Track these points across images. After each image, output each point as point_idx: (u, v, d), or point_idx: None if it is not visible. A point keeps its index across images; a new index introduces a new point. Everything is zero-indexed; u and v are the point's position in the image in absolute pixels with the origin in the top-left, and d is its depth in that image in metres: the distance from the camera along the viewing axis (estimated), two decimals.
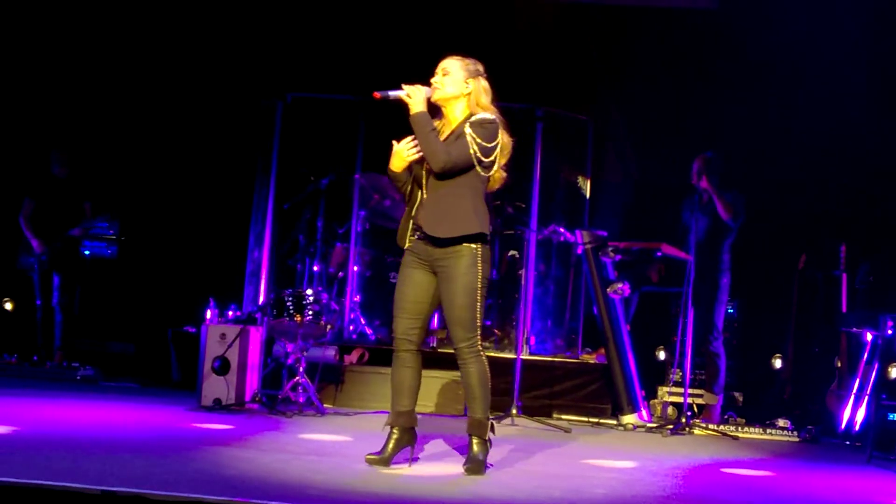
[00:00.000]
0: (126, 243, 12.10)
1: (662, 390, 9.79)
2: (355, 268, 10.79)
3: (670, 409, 9.71)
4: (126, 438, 6.80)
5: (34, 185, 11.15)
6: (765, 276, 10.81)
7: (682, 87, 11.01)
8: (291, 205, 10.97)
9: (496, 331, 10.62)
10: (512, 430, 8.58)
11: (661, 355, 10.34)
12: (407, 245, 6.37)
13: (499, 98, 10.56)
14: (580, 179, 11.28)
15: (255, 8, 11.57)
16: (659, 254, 9.73)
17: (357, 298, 10.77)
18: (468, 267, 6.21)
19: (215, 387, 8.83)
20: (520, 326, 9.65)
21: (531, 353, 10.10)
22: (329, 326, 9.07)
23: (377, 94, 6.38)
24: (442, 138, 6.23)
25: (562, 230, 10.49)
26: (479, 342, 6.34)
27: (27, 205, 11.12)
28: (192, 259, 11.90)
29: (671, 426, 9.06)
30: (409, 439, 6.45)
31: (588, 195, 11.23)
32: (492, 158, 6.23)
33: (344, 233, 10.97)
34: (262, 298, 10.57)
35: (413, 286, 6.37)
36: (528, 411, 9.13)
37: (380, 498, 5.38)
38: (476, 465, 6.27)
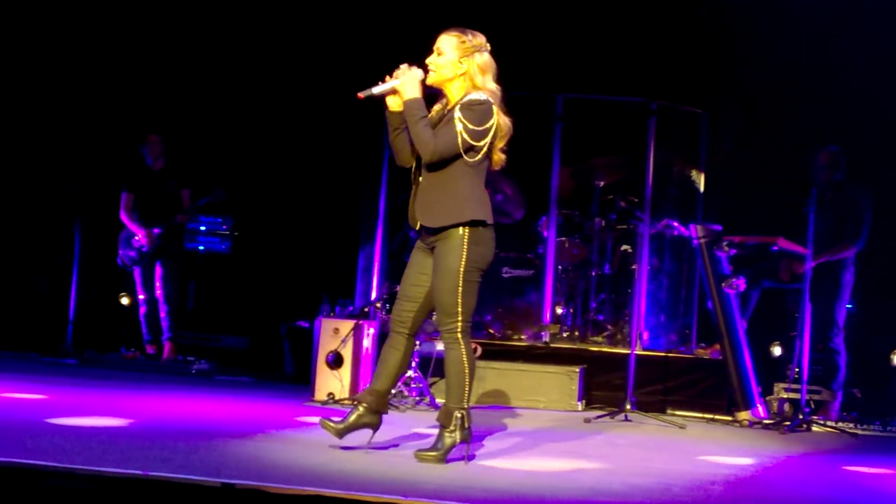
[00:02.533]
0: (240, 239, 12.18)
1: (779, 387, 9.64)
2: None
3: (787, 406, 9.56)
4: (242, 432, 6.84)
5: (130, 179, 11.21)
6: (886, 270, 10.59)
7: (800, 78, 10.82)
8: (403, 200, 10.99)
9: (609, 326, 10.54)
10: (626, 426, 8.51)
11: (777, 351, 10.18)
12: (417, 228, 6.23)
13: (610, 91, 10.51)
14: (694, 173, 11.16)
15: (365, 2, 11.58)
16: (775, 248, 9.58)
17: None
18: (452, 250, 6.01)
19: (329, 381, 8.87)
20: (633, 321, 9.56)
21: (644, 349, 10.00)
22: None
23: (360, 95, 6.15)
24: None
25: (675, 224, 10.40)
26: (461, 329, 6.08)
27: (125, 198, 11.17)
28: (305, 254, 11.96)
29: (788, 423, 8.92)
30: (372, 421, 6.30)
31: (702, 189, 11.10)
32: (484, 142, 6.00)
33: None
34: (374, 293, 10.60)
35: (415, 270, 6.26)
36: (642, 407, 9.04)
37: (492, 494, 5.35)
38: (430, 452, 6.10)
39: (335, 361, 8.84)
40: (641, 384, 9.44)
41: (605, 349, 10.10)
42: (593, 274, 10.60)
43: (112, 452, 5.66)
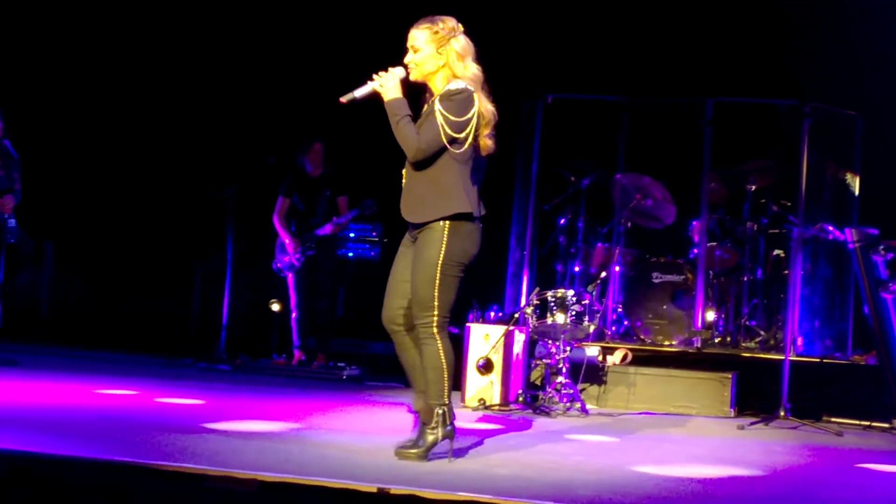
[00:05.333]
0: (389, 245, 12.25)
1: None
2: (617, 268, 10.72)
3: None
4: (395, 437, 6.87)
5: (286, 184, 11.32)
6: None
7: None
8: (552, 206, 10.99)
9: (761, 331, 10.40)
10: (781, 432, 8.37)
11: None
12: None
13: (763, 94, 10.36)
14: (848, 176, 10.96)
15: (516, 9, 11.59)
16: None
17: (620, 298, 10.69)
18: (431, 242, 5.91)
19: (479, 387, 8.89)
20: (787, 327, 9.41)
21: (799, 355, 9.85)
22: (592, 327, 9.02)
23: (343, 100, 6.11)
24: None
25: (830, 228, 10.21)
26: (437, 323, 5.93)
27: (280, 203, 11.27)
28: None
29: None
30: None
31: (857, 192, 10.90)
32: (466, 132, 5.91)
33: (606, 233, 10.91)
34: (524, 299, 10.59)
35: (402, 266, 6.13)
36: (797, 413, 8.88)
37: (648, 500, 5.30)
38: (411, 450, 5.97)
39: (485, 367, 8.85)
40: (796, 390, 9.27)
41: (757, 355, 9.96)
42: (745, 279, 10.47)
43: (268, 456, 5.74)
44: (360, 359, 11.40)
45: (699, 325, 10.35)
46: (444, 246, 5.91)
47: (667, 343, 10.39)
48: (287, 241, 11.04)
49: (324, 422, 7.41)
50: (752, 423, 8.58)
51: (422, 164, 5.97)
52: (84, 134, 13.00)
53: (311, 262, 11.09)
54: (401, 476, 5.34)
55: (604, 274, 10.49)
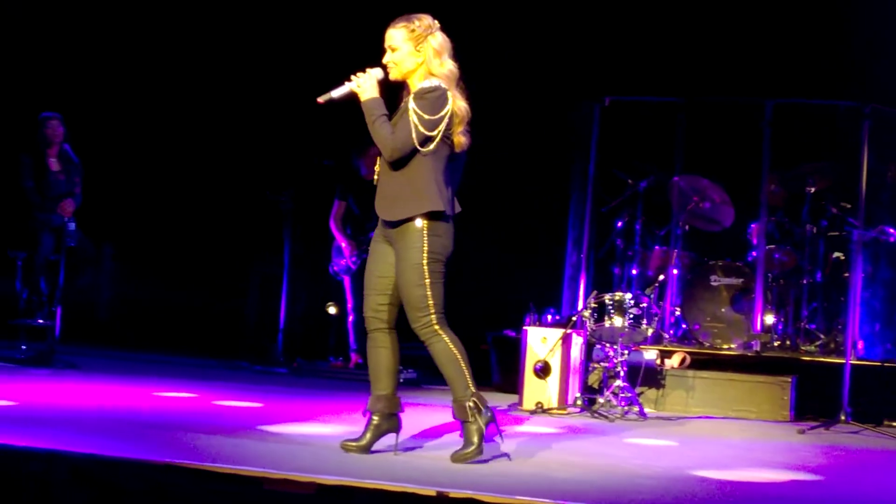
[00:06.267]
0: None
1: None
2: (675, 271, 10.66)
3: None
4: (453, 441, 6.87)
5: (342, 188, 11.32)
6: None
7: None
8: (609, 208, 10.95)
9: (821, 335, 10.32)
10: (842, 437, 8.30)
11: None
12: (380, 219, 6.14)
13: (822, 95, 10.27)
14: None
15: (573, 11, 11.56)
16: None
17: (678, 302, 10.63)
18: (412, 243, 5.92)
19: (537, 390, 8.87)
20: (848, 330, 9.33)
21: (859, 358, 9.75)
22: (650, 330, 8.98)
23: (320, 100, 6.14)
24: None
25: (891, 230, 10.13)
26: (436, 321, 5.97)
27: (336, 207, 11.27)
28: (511, 263, 11.97)
29: None
30: (390, 426, 6.15)
31: None
32: (437, 131, 5.93)
33: (664, 235, 10.86)
34: (581, 302, 10.56)
35: (377, 261, 6.14)
36: (858, 418, 8.80)
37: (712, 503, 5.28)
38: (465, 451, 5.94)
39: (543, 370, 8.83)
40: (856, 394, 9.18)
41: (817, 358, 9.88)
42: (804, 282, 10.39)
43: (326, 459, 5.76)
44: (417, 362, 11.34)
45: (758, 328, 10.27)
46: (425, 245, 5.94)
47: (725, 346, 10.32)
48: (343, 244, 11.04)
49: None
50: (812, 428, 8.51)
51: (397, 163, 6.00)
52: (143, 138, 13.08)
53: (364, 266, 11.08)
54: (460, 479, 5.33)
55: (662, 277, 10.44)
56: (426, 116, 5.92)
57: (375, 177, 6.19)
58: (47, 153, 10.72)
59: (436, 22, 6.13)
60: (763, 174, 10.54)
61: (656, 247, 10.82)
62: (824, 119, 10.72)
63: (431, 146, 5.96)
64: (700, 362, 9.70)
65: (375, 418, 6.12)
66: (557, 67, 11.64)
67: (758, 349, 10.05)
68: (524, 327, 9.21)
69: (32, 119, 10.89)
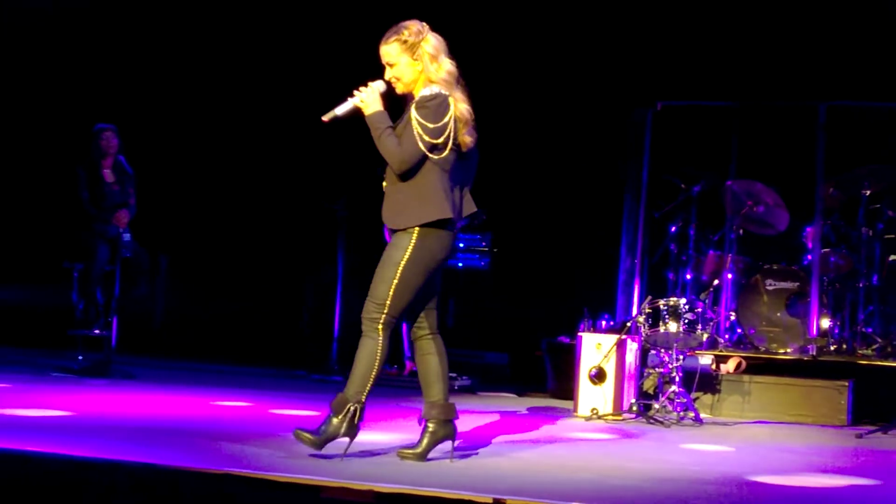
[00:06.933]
0: (499, 255, 12.24)
1: None
2: (729, 275, 10.61)
3: None
4: (510, 447, 6.88)
5: None
6: None
7: None
8: (663, 213, 10.92)
9: (878, 338, 10.23)
10: None
11: None
12: None
13: (877, 97, 10.19)
14: None
15: (626, 17, 11.54)
16: None
17: (732, 306, 10.58)
18: (399, 244, 5.95)
19: (592, 396, 8.85)
20: None
21: None
22: (705, 335, 8.95)
23: (325, 118, 6.16)
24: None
25: None
26: (384, 321, 5.96)
27: None
28: (564, 269, 11.96)
29: None
30: (446, 432, 6.13)
31: None
32: (444, 137, 5.91)
33: (718, 240, 10.81)
34: (635, 308, 10.53)
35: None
36: None
37: None
38: (306, 435, 5.94)
39: (598, 376, 8.82)
40: None
41: (875, 362, 9.80)
42: (861, 285, 10.31)
43: (383, 467, 5.77)
44: (472, 369, 11.39)
45: (814, 332, 10.19)
46: (410, 249, 5.95)
47: (781, 351, 10.25)
48: None
49: None
50: (870, 432, 8.44)
51: (406, 174, 5.99)
52: (197, 148, 13.16)
53: None
54: (517, 487, 5.33)
55: (716, 282, 10.40)
56: (429, 125, 5.92)
57: (384, 185, 6.17)
58: (102, 164, 10.81)
59: (425, 25, 6.10)
60: (818, 177, 10.46)
61: (710, 251, 10.77)
62: (879, 121, 10.64)
63: (444, 153, 5.97)
64: (756, 367, 9.66)
65: (431, 425, 6.12)
66: (611, 73, 11.63)
67: (814, 353, 9.97)
68: (579, 333, 9.20)
69: (87, 130, 10.98)
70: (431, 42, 6.05)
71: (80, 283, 10.67)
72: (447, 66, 6.07)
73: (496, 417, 8.55)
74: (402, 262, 5.95)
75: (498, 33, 12.08)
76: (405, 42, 6.02)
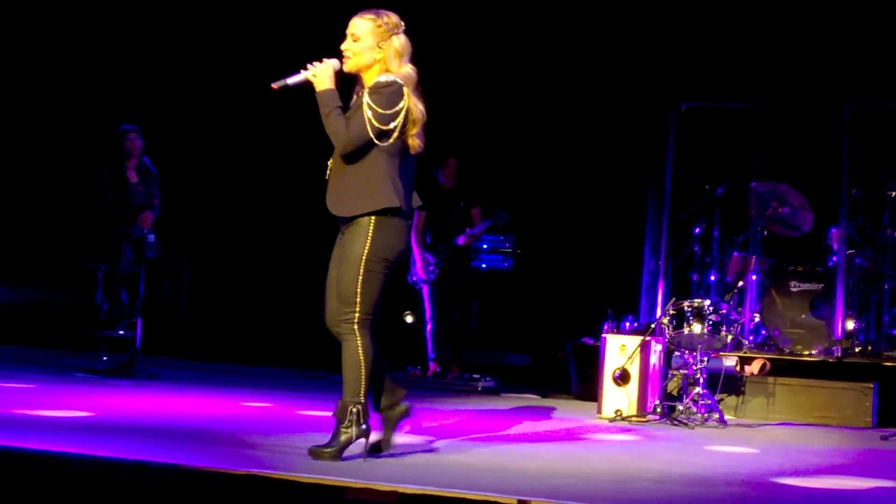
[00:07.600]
0: (522, 256, 12.24)
1: None
2: (753, 277, 10.59)
3: None
4: (533, 448, 6.87)
5: (422, 197, 11.29)
6: None
7: None
8: (686, 215, 10.89)
9: None
10: None
11: None
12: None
13: None
14: None
15: (649, 18, 11.52)
16: None
17: (757, 308, 10.55)
18: (357, 237, 5.84)
19: (616, 398, 8.83)
20: None
21: None
22: (729, 337, 8.93)
23: (274, 86, 6.01)
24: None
25: None
26: (358, 320, 5.87)
27: (416, 216, 11.27)
28: (588, 271, 11.95)
29: None
30: (401, 411, 6.19)
31: None
32: (393, 126, 5.83)
33: (742, 241, 10.78)
34: (659, 309, 10.51)
35: (336, 264, 6.05)
36: None
37: None
38: (325, 448, 5.84)
39: (622, 378, 8.81)
40: None
41: None
42: (886, 286, 10.27)
43: (407, 469, 5.77)
44: (495, 370, 11.39)
45: (839, 334, 10.16)
46: (368, 241, 5.86)
47: (806, 353, 10.22)
48: (415, 254, 11.06)
49: (460, 433, 7.41)
50: (895, 434, 8.41)
51: (351, 157, 5.92)
52: (221, 149, 13.20)
53: (445, 274, 11.10)
54: (540, 488, 5.33)
55: (740, 283, 10.37)
56: (380, 111, 5.85)
57: (328, 171, 6.09)
58: (126, 165, 10.84)
59: (402, 23, 6.04)
60: (843, 179, 10.43)
61: (734, 253, 10.74)
62: None
63: (389, 140, 5.89)
64: (780, 368, 9.63)
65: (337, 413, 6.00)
66: (634, 74, 11.62)
67: (839, 355, 9.93)
68: (602, 335, 9.18)
69: (112, 132, 11.01)
70: (401, 40, 6.00)
71: (104, 284, 10.71)
72: (408, 68, 6.01)
73: (519, 419, 8.54)
74: (364, 256, 5.87)
75: (521, 36, 12.08)
76: (379, 27, 5.96)
